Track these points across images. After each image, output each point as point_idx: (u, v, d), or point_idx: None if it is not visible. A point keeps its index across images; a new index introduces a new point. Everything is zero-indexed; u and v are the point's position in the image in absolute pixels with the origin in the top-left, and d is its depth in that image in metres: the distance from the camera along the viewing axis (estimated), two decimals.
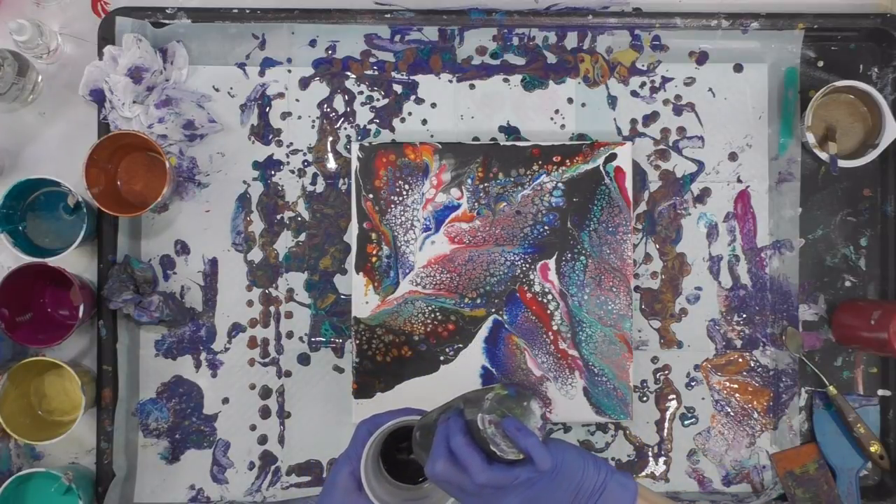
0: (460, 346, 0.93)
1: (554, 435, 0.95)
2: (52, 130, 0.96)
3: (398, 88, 0.96)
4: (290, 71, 0.96)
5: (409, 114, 0.96)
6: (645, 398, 0.96)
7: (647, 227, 0.96)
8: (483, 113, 0.97)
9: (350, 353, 0.94)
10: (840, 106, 0.96)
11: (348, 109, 0.96)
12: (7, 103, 0.94)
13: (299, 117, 0.96)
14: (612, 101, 0.97)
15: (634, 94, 0.97)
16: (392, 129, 0.96)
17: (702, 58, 0.97)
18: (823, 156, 0.93)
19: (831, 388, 0.93)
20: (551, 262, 0.93)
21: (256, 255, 0.96)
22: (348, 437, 0.93)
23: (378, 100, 0.96)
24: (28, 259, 0.89)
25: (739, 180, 0.97)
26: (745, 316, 0.96)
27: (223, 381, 0.95)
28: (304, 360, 0.95)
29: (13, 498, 0.88)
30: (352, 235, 0.93)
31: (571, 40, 0.97)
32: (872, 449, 0.93)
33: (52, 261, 0.88)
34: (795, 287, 0.96)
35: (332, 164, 0.96)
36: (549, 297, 0.93)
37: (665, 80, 0.97)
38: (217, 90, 0.96)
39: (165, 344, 0.95)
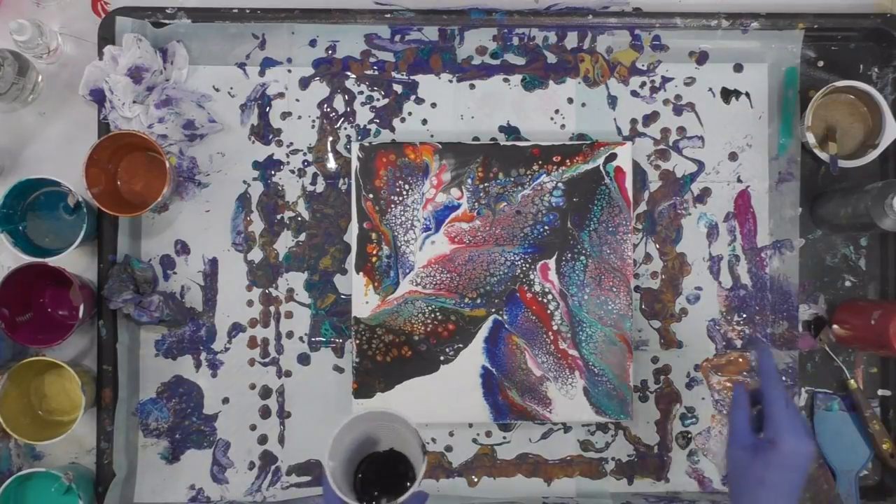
0: (460, 346, 0.93)
1: (553, 435, 0.95)
2: (52, 130, 0.96)
3: (398, 88, 0.96)
4: (290, 71, 0.96)
5: (409, 114, 0.96)
6: (645, 398, 0.96)
7: (647, 227, 0.96)
8: (483, 113, 0.97)
9: (350, 353, 0.94)
10: (840, 106, 0.96)
11: (348, 109, 0.96)
12: (7, 103, 0.94)
13: (299, 117, 0.96)
14: (612, 101, 0.97)
15: (634, 94, 0.97)
16: (392, 129, 0.96)
17: (702, 58, 0.97)
18: (823, 156, 0.93)
19: (851, 381, 0.94)
20: (551, 262, 0.93)
21: (256, 255, 0.96)
22: None
23: (378, 100, 0.96)
24: (28, 259, 0.89)
25: (739, 180, 0.97)
26: (745, 316, 0.96)
27: (223, 381, 0.95)
28: (304, 360, 0.95)
29: (13, 498, 0.88)
30: (352, 235, 0.93)
31: (571, 40, 0.97)
32: (885, 446, 0.93)
33: (52, 261, 0.88)
34: (795, 287, 0.96)
35: (332, 164, 0.96)
36: (550, 296, 0.93)
37: (665, 80, 0.97)
38: (217, 90, 0.96)
39: (165, 344, 0.95)
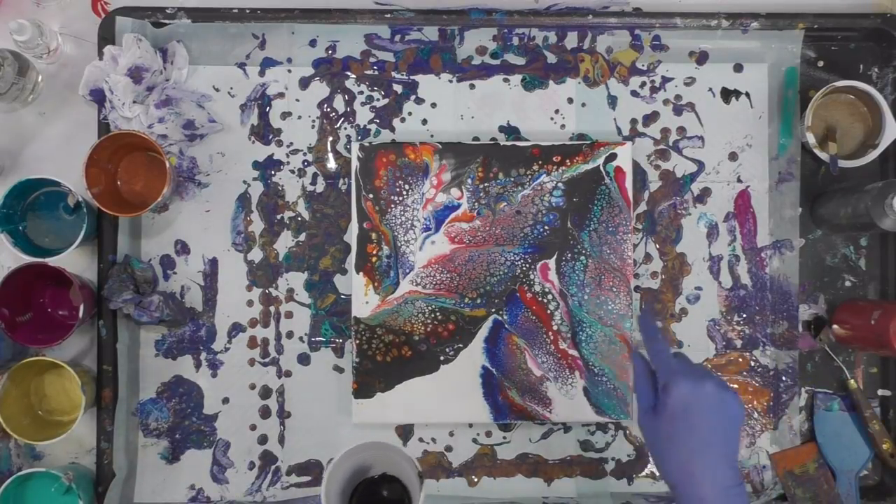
0: (460, 345, 0.93)
1: (553, 435, 0.95)
2: (52, 130, 0.96)
3: (398, 88, 0.96)
4: (290, 71, 0.96)
5: (409, 114, 0.96)
6: None
7: (647, 227, 0.96)
8: (483, 113, 0.97)
9: (350, 353, 0.94)
10: (840, 106, 0.96)
11: (348, 109, 0.96)
12: (7, 103, 0.94)
13: (299, 117, 0.96)
14: (612, 101, 0.97)
15: (634, 93, 0.97)
16: (392, 129, 0.96)
17: (702, 58, 0.97)
18: (823, 156, 0.93)
19: (851, 381, 0.94)
20: (551, 262, 0.93)
21: (256, 255, 0.96)
22: (348, 437, 0.94)
23: (378, 100, 0.96)
24: (28, 259, 0.89)
25: (739, 180, 0.97)
26: (745, 316, 0.96)
27: (223, 381, 0.95)
28: (304, 360, 0.95)
29: (13, 498, 0.88)
30: (352, 235, 0.93)
31: (571, 40, 0.97)
32: (884, 447, 0.93)
33: (52, 261, 0.88)
34: (795, 287, 0.96)
35: (332, 164, 0.96)
36: (550, 296, 0.93)
37: (665, 79, 0.97)
38: (217, 90, 0.96)
39: (165, 344, 0.95)
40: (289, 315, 0.95)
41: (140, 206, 0.92)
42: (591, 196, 0.93)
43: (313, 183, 0.96)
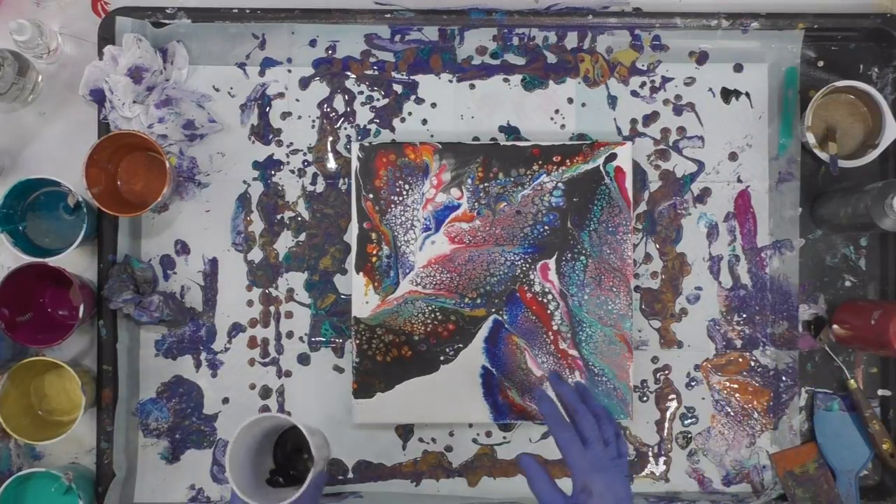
0: (460, 345, 0.93)
1: None
2: (52, 130, 0.96)
3: (398, 88, 0.96)
4: (290, 71, 0.96)
5: (409, 114, 0.96)
6: (645, 398, 0.96)
7: (647, 227, 0.96)
8: (483, 113, 0.97)
9: (350, 353, 0.94)
10: (840, 106, 0.96)
11: (348, 109, 0.96)
12: (7, 103, 0.94)
13: (299, 117, 0.96)
14: (612, 101, 0.97)
15: (634, 93, 0.97)
16: (392, 129, 0.96)
17: (702, 58, 0.97)
18: (823, 156, 0.93)
19: (851, 381, 0.94)
20: (551, 262, 0.93)
21: (256, 255, 0.96)
22: (348, 437, 0.94)
23: (378, 100, 0.96)
24: (28, 259, 0.89)
25: (739, 180, 0.97)
26: (745, 316, 0.96)
27: (223, 381, 0.95)
28: (304, 360, 0.95)
29: (13, 498, 0.88)
30: (352, 235, 0.93)
31: (571, 40, 0.97)
32: (884, 447, 0.93)
33: (52, 261, 0.88)
34: (795, 287, 0.96)
35: (332, 164, 0.96)
36: (550, 296, 0.93)
37: (665, 79, 0.97)
38: (217, 90, 0.96)
39: (165, 344, 0.95)
40: (289, 315, 0.95)
41: (140, 206, 0.92)
42: (591, 196, 0.93)
43: (313, 183, 0.96)
